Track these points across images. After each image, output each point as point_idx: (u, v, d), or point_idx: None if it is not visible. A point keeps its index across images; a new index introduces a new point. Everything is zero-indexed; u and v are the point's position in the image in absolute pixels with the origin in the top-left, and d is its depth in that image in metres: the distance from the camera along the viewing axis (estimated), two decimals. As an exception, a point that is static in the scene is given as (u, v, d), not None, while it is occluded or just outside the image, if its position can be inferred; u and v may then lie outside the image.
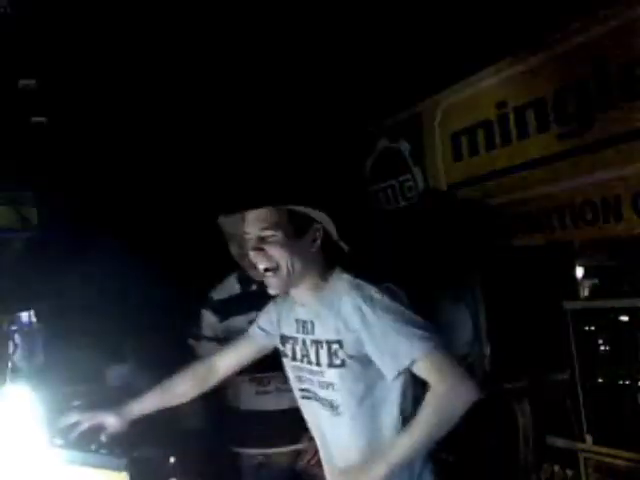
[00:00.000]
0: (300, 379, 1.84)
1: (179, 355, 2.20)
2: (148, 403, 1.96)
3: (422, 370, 1.64)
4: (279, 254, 1.69)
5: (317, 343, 1.75)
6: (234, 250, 2.59)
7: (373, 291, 1.68)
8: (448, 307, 3.23)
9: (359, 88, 3.45)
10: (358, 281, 1.73)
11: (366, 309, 1.65)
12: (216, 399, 2.68)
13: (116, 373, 3.10)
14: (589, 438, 2.76)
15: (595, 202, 2.65)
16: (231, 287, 2.68)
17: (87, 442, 1.81)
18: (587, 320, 2.81)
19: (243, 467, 2.60)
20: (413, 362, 1.63)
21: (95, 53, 3.08)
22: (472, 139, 3.21)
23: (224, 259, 2.72)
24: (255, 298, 2.47)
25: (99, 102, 3.36)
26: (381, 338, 1.64)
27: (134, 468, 1.66)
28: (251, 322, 2.10)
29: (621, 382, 2.68)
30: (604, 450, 2.70)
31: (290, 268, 1.70)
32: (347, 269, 1.80)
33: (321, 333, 1.75)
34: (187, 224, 3.41)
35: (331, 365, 1.72)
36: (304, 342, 1.80)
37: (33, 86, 3.17)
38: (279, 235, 1.68)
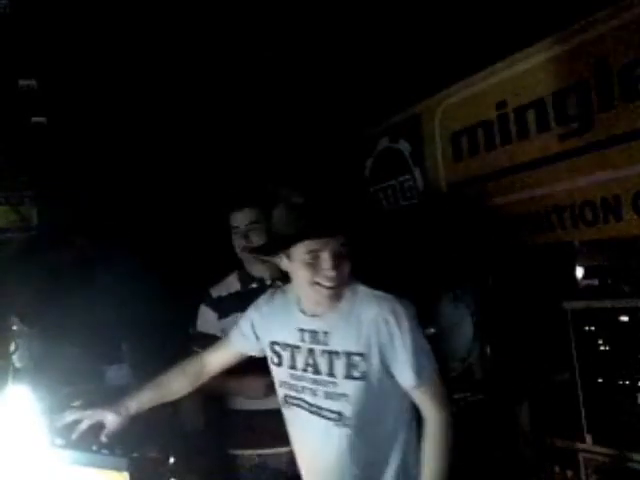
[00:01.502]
0: (295, 388, 1.85)
1: (178, 354, 2.20)
2: (144, 399, 1.96)
3: (424, 396, 1.74)
4: (346, 271, 1.77)
5: (331, 354, 1.77)
6: (237, 243, 2.61)
7: (397, 304, 1.74)
8: (448, 307, 3.23)
9: (359, 89, 3.45)
10: (378, 293, 1.78)
11: (392, 322, 1.71)
12: (214, 399, 2.68)
13: (115, 373, 3.10)
14: (589, 438, 2.77)
15: (595, 202, 2.65)
16: (231, 285, 2.68)
17: (88, 442, 1.81)
18: (587, 320, 2.81)
19: (240, 468, 2.59)
20: (421, 384, 1.72)
21: (95, 53, 3.08)
22: (472, 139, 3.21)
23: (224, 258, 2.72)
24: (255, 296, 2.47)
25: (99, 102, 3.36)
26: (403, 352, 1.71)
27: (134, 468, 1.66)
28: None
29: (621, 382, 2.68)
30: (604, 450, 2.70)
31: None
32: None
33: (338, 344, 1.77)
34: (187, 223, 3.42)
35: (349, 377, 1.74)
36: (311, 352, 1.81)
37: (33, 86, 3.17)
38: (344, 250, 1.74)
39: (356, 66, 3.29)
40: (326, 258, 1.72)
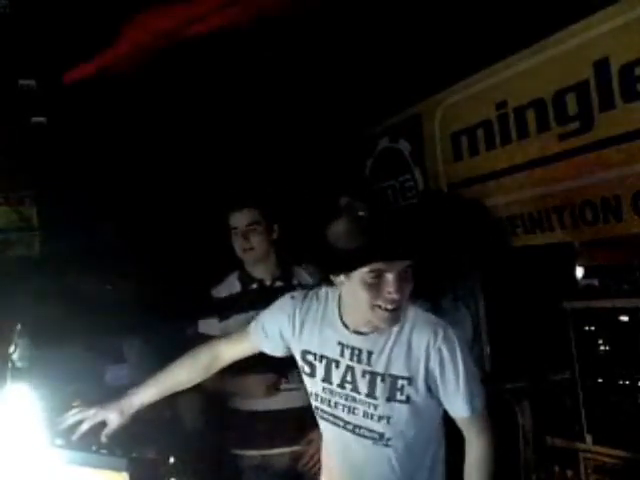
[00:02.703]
0: (327, 402, 1.78)
1: (178, 355, 2.20)
2: (150, 393, 1.92)
3: (471, 424, 1.71)
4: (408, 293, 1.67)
5: (375, 375, 1.71)
6: (236, 244, 2.61)
7: (450, 332, 1.69)
8: (448, 307, 3.23)
9: (359, 89, 3.45)
10: (432, 317, 1.72)
11: (445, 352, 1.66)
12: (216, 399, 2.68)
13: (116, 373, 3.10)
14: (589, 438, 2.76)
15: (595, 202, 2.65)
16: (231, 286, 2.68)
17: (87, 442, 1.81)
18: (587, 320, 2.80)
19: (243, 468, 2.59)
20: (472, 414, 1.69)
21: (95, 53, 3.09)
22: (472, 139, 3.21)
23: (225, 258, 2.72)
24: (256, 297, 2.47)
25: (99, 101, 3.36)
26: (455, 383, 1.67)
27: (134, 468, 1.65)
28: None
29: (621, 382, 2.68)
30: (604, 450, 2.70)
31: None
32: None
33: (384, 366, 1.70)
34: (187, 224, 3.42)
35: (392, 400, 1.69)
36: (351, 369, 1.74)
37: (33, 86, 3.17)
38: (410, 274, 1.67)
39: (356, 66, 3.29)
40: (390, 280, 1.60)
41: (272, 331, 1.90)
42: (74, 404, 1.95)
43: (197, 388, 2.23)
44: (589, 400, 2.77)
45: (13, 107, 3.26)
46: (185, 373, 1.97)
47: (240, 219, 2.61)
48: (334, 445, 1.83)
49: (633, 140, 2.46)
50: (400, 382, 1.68)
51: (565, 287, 3.14)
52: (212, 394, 2.62)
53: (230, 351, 1.99)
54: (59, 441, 1.79)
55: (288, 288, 2.38)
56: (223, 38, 3.09)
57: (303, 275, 2.62)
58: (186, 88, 3.37)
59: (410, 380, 1.68)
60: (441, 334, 1.67)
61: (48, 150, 3.45)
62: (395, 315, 1.65)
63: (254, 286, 2.63)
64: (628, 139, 2.48)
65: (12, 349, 2.48)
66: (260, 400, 2.50)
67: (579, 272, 3.33)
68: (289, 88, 3.48)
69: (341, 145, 3.91)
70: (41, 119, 3.35)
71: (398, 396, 1.69)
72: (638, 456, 2.54)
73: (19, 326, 2.59)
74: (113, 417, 1.86)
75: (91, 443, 1.81)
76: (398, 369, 1.68)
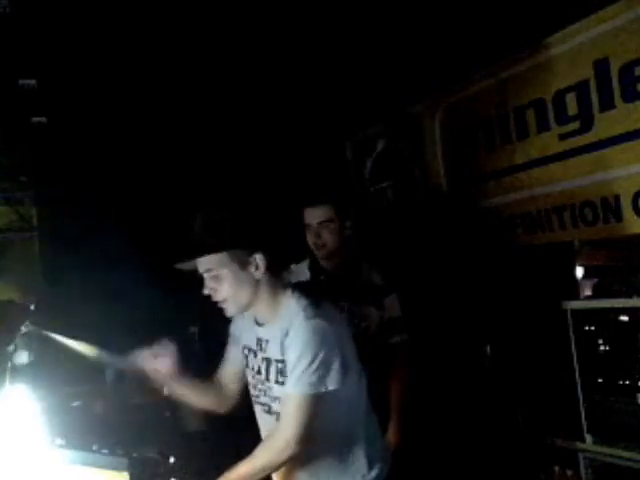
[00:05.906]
0: (256, 387, 1.95)
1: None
2: (187, 391, 2.02)
3: (285, 406, 1.78)
4: (225, 289, 1.81)
5: (267, 361, 1.88)
6: (309, 240, 2.58)
7: (304, 320, 1.77)
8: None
9: (359, 89, 3.45)
10: (302, 305, 1.82)
11: (292, 335, 1.78)
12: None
13: (115, 373, 3.09)
14: (589, 438, 2.76)
15: (595, 202, 2.66)
16: (302, 273, 2.66)
17: (88, 442, 1.81)
18: (587, 320, 2.80)
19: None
20: (285, 395, 1.79)
21: (94, 53, 3.09)
22: (472, 139, 3.21)
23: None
24: (323, 288, 2.47)
25: (99, 102, 3.36)
26: (289, 363, 1.78)
27: (134, 468, 1.66)
28: None
29: (621, 382, 2.68)
30: (604, 450, 2.70)
31: (237, 298, 1.83)
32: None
33: (272, 352, 1.86)
34: (188, 222, 3.41)
35: (277, 382, 1.84)
36: (259, 357, 1.92)
37: (33, 86, 3.17)
38: (223, 272, 1.80)
39: (357, 67, 3.29)
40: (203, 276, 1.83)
41: (237, 333, 2.05)
42: (74, 404, 1.96)
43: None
44: (589, 400, 2.77)
45: (13, 107, 3.26)
46: (204, 399, 2.08)
47: (313, 215, 2.57)
48: (260, 425, 1.97)
49: (633, 140, 2.47)
50: (279, 365, 1.83)
51: (565, 287, 3.14)
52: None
53: (227, 374, 2.08)
54: (59, 441, 1.79)
55: (354, 284, 2.49)
56: (225, 39, 3.09)
57: (370, 272, 2.62)
58: (186, 88, 3.37)
59: (284, 362, 1.81)
60: (296, 321, 1.78)
61: (48, 150, 3.44)
62: (227, 306, 1.84)
63: (322, 277, 2.62)
64: (628, 139, 2.49)
65: (12, 349, 2.48)
66: None
67: (579, 272, 3.34)
68: (290, 89, 3.48)
69: (341, 145, 3.91)
70: (41, 119, 3.35)
71: (279, 378, 1.83)
72: (638, 456, 2.54)
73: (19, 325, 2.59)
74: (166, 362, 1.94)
75: (92, 443, 1.81)
76: (278, 354, 1.83)
